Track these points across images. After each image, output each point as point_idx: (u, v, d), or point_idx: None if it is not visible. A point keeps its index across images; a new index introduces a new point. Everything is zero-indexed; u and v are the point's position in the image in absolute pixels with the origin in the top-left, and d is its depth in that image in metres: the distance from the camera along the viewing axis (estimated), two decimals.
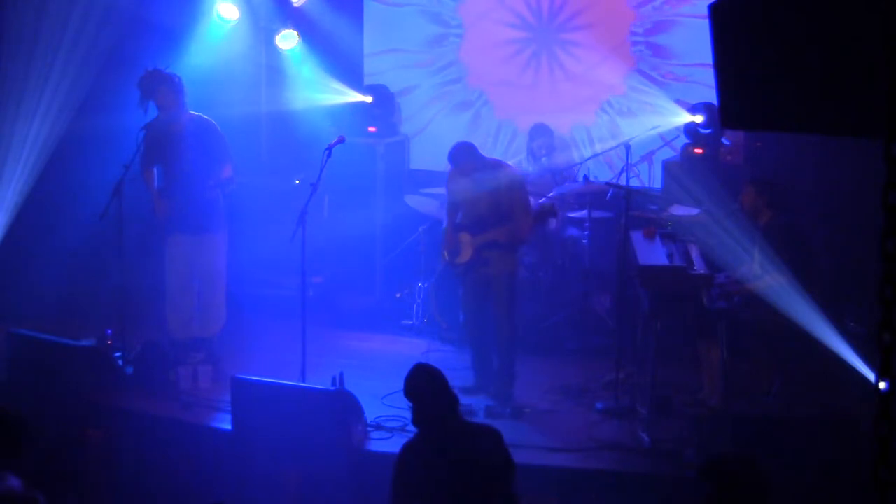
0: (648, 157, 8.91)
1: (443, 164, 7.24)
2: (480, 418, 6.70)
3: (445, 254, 7.14)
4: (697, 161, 8.12)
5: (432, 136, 9.36)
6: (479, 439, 4.70)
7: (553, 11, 9.06)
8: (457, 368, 7.21)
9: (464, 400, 6.81)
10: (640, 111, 8.72)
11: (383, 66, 9.50)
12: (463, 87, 9.38)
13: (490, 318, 7.01)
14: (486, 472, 4.63)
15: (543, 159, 8.42)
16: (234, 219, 7.66)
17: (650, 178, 8.91)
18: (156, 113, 7.26)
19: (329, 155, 6.79)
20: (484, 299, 7.00)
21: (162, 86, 7.17)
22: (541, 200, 7.79)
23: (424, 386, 4.71)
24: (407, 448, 4.76)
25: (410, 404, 4.76)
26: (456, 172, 6.99)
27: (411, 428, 6.42)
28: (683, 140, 8.40)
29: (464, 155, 6.91)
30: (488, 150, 8.36)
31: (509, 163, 7.52)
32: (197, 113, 7.33)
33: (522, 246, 7.21)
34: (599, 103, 9.03)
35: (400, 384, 6.99)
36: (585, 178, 8.22)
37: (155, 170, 7.42)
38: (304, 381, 6.59)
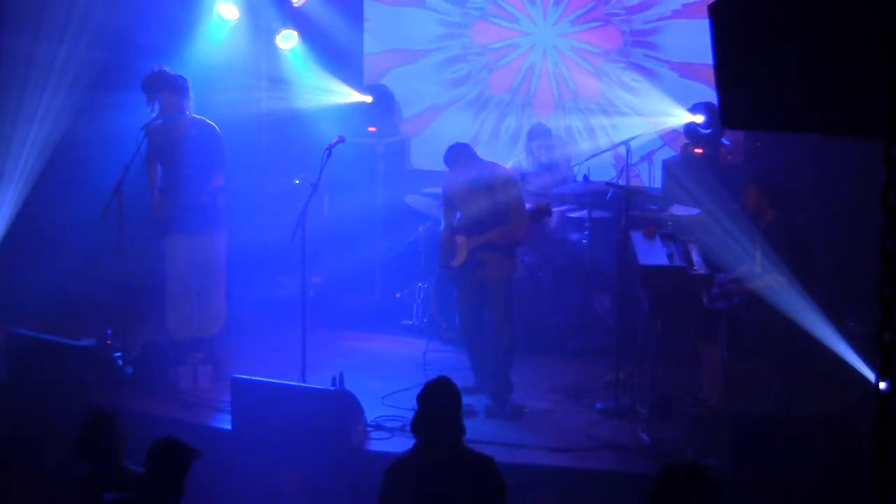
0: (648, 157, 8.91)
1: (443, 164, 7.24)
2: (480, 418, 6.70)
3: (442, 257, 7.08)
4: (697, 161, 8.11)
5: (432, 136, 9.36)
6: (469, 468, 4.50)
7: (553, 11, 9.06)
8: (457, 368, 7.20)
9: (464, 400, 6.84)
10: (639, 111, 8.72)
11: (383, 66, 9.50)
12: (463, 87, 9.38)
13: (487, 324, 6.98)
14: (472, 501, 4.49)
15: (543, 159, 8.42)
16: (234, 219, 7.66)
17: (650, 178, 8.91)
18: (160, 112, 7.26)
19: (329, 155, 6.78)
20: (480, 303, 6.96)
21: (166, 87, 7.16)
22: (537, 202, 7.79)
23: (444, 401, 4.54)
24: (396, 465, 4.56)
25: (418, 408, 4.57)
26: (452, 174, 6.98)
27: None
28: (683, 140, 8.40)
29: (459, 156, 6.92)
30: (488, 150, 8.36)
31: (506, 164, 7.51)
32: (199, 116, 7.32)
33: (518, 247, 7.18)
34: (599, 103, 9.03)
35: (400, 384, 7.06)
36: (585, 178, 8.22)
37: (158, 167, 7.42)
38: (304, 381, 6.58)
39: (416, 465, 4.51)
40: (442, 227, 7.14)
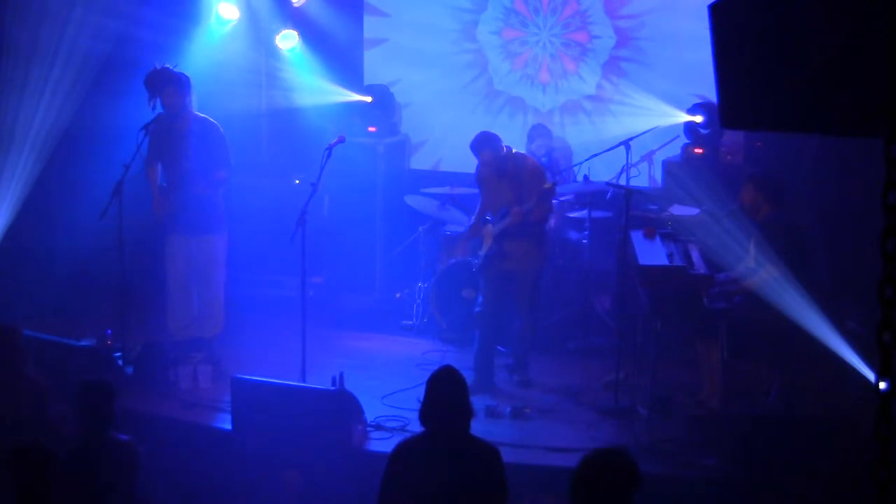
0: (648, 157, 8.91)
1: (442, 164, 7.26)
2: (480, 418, 6.70)
3: (468, 249, 7.29)
4: (697, 161, 8.11)
5: (433, 136, 9.36)
6: (477, 459, 4.53)
7: (553, 12, 9.06)
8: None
9: None
10: (637, 111, 8.71)
11: (383, 66, 9.49)
12: (463, 88, 9.37)
13: (511, 310, 7.17)
14: (476, 492, 4.48)
15: (543, 159, 8.41)
16: (234, 219, 7.66)
17: (650, 178, 8.91)
18: (162, 110, 7.26)
19: (329, 155, 6.79)
20: (504, 294, 7.12)
21: (169, 85, 7.18)
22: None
23: (449, 388, 4.59)
24: (404, 445, 4.64)
25: (425, 398, 4.60)
26: (483, 165, 7.11)
27: (411, 428, 6.46)
28: (683, 140, 8.40)
29: (487, 144, 7.05)
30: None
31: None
32: (202, 114, 7.33)
33: (548, 242, 7.36)
34: (598, 103, 9.03)
35: (400, 384, 7.07)
36: (585, 178, 8.22)
37: (159, 167, 7.43)
38: (304, 381, 6.58)
39: (424, 450, 4.53)
40: (475, 213, 7.33)
